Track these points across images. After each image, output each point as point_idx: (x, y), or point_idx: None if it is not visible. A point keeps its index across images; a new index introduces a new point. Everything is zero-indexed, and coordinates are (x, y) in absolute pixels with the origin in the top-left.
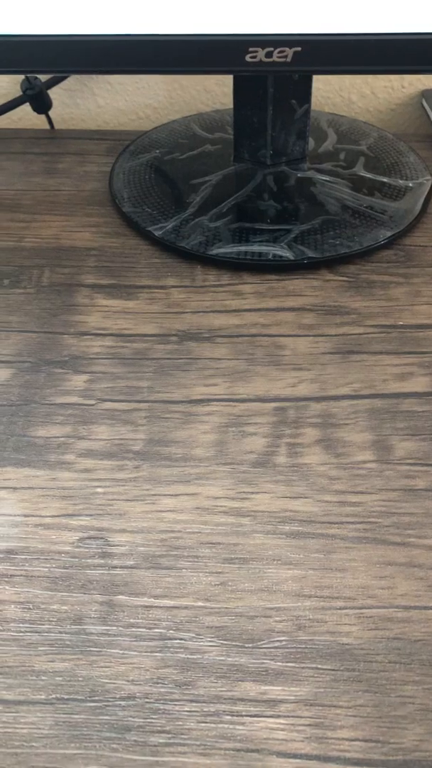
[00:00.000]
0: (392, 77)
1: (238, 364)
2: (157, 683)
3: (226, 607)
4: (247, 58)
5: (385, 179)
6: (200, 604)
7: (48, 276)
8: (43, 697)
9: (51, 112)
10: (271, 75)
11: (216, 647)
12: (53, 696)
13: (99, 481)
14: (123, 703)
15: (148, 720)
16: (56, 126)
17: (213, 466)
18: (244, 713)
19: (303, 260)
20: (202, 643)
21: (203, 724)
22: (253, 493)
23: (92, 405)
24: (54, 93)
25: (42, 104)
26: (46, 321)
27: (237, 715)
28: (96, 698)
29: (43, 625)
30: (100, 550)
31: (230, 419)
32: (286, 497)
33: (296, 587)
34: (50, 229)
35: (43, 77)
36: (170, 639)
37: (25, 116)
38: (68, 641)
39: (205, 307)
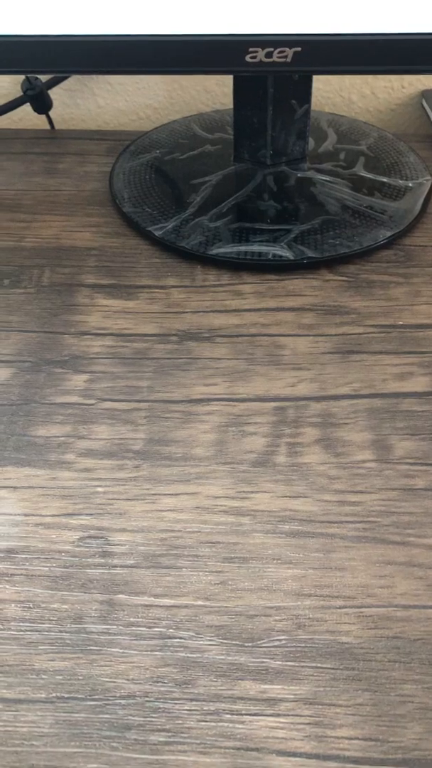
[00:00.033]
0: (392, 77)
1: (237, 364)
2: (157, 682)
3: (226, 606)
4: (247, 58)
5: (385, 179)
6: (200, 603)
7: (48, 276)
8: (43, 695)
9: (51, 113)
10: (271, 75)
11: (216, 646)
12: (53, 695)
13: (99, 480)
14: (123, 701)
15: (148, 719)
16: (57, 126)
17: (213, 465)
18: (243, 712)
19: (303, 260)
20: (202, 642)
21: (203, 723)
22: (252, 492)
23: (92, 404)
24: (54, 93)
25: (42, 104)
26: (47, 321)
27: (237, 714)
28: (96, 697)
29: (44, 624)
30: (100, 550)
31: (230, 419)
32: (286, 496)
33: (296, 586)
34: (50, 229)
35: (44, 77)
36: (170, 638)
37: (25, 116)
38: (68, 640)
39: (205, 306)
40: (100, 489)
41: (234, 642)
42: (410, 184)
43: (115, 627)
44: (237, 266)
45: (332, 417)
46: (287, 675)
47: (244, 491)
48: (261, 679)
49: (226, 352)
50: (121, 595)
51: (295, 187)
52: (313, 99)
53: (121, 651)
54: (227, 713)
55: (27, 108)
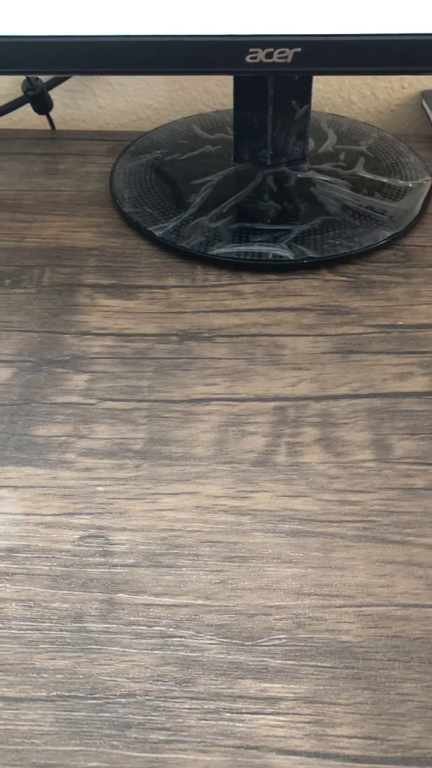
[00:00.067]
0: (392, 78)
1: (238, 364)
2: (158, 681)
3: (226, 605)
4: (248, 58)
5: (384, 180)
6: (200, 602)
7: (49, 276)
8: (43, 694)
9: (52, 113)
10: (272, 76)
11: (216, 645)
12: (54, 693)
13: (100, 479)
14: (123, 700)
15: (149, 717)
16: (57, 127)
17: (213, 465)
18: (243, 710)
19: (303, 260)
20: (202, 641)
21: (203, 722)
22: (253, 491)
23: (93, 404)
24: (55, 94)
25: (43, 105)
26: (47, 321)
27: (237, 713)
28: (96, 695)
29: (44, 622)
30: (100, 549)
31: (230, 418)
32: (286, 496)
33: (296, 585)
34: (51, 229)
35: (44, 78)
36: (170, 637)
37: (26, 117)
38: (69, 639)
39: (205, 306)
40: (100, 488)
41: (234, 641)
42: (410, 185)
43: (115, 626)
44: (237, 266)
45: (332, 417)
46: (287, 674)
47: (244, 491)
48: (261, 678)
49: (226, 351)
50: (121, 594)
51: (296, 188)
52: (313, 99)
53: (121, 650)
54: (227, 712)
55: (27, 108)
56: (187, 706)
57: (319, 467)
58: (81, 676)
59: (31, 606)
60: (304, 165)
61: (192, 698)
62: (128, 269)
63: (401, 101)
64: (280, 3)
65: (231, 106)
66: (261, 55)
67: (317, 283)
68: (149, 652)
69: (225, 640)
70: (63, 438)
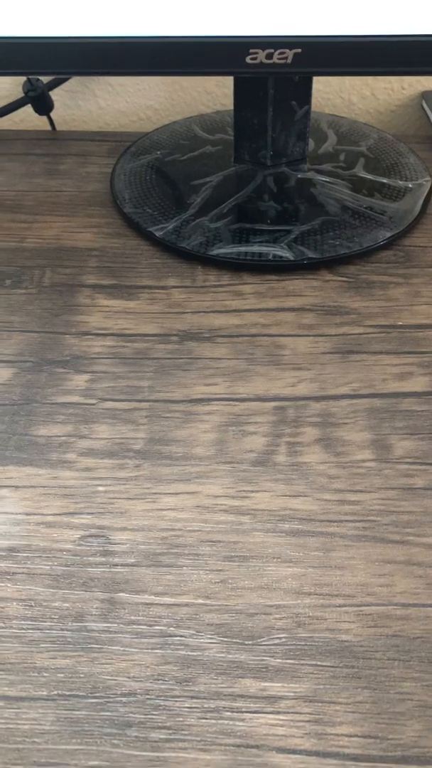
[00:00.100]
0: (392, 79)
1: (238, 364)
2: (158, 680)
3: (227, 605)
4: (248, 59)
5: (384, 180)
6: (200, 601)
7: (49, 276)
8: (44, 693)
9: (52, 114)
10: (272, 76)
11: (216, 644)
12: (55, 692)
13: (100, 479)
14: (124, 699)
15: (149, 716)
16: (58, 127)
17: (213, 464)
18: (244, 709)
19: (303, 261)
20: (202, 640)
21: (203, 720)
22: (253, 491)
23: (93, 404)
24: (55, 94)
25: (43, 106)
26: (48, 321)
27: (237, 712)
28: (97, 695)
29: (45, 622)
30: (101, 548)
31: (230, 418)
32: (286, 496)
33: (296, 585)
34: (52, 229)
35: (45, 79)
36: (171, 636)
37: (26, 117)
38: (70, 638)
39: (205, 307)
40: (101, 488)
41: (234, 640)
42: (410, 185)
43: (116, 625)
44: (237, 267)
45: (332, 417)
46: (287, 673)
47: (244, 490)
48: (261, 677)
49: (226, 352)
50: (121, 594)
51: (296, 188)
52: (313, 100)
53: (122, 649)
54: (227, 711)
55: (28, 109)
56: (187, 705)
57: (319, 467)
58: (82, 675)
59: (32, 605)
60: (304, 165)
61: (192, 697)
62: (129, 270)
63: (401, 102)
64: (280, 4)
65: (231, 107)
66: (261, 55)
67: (317, 283)
68: (150, 651)
69: (225, 639)
70: (64, 438)
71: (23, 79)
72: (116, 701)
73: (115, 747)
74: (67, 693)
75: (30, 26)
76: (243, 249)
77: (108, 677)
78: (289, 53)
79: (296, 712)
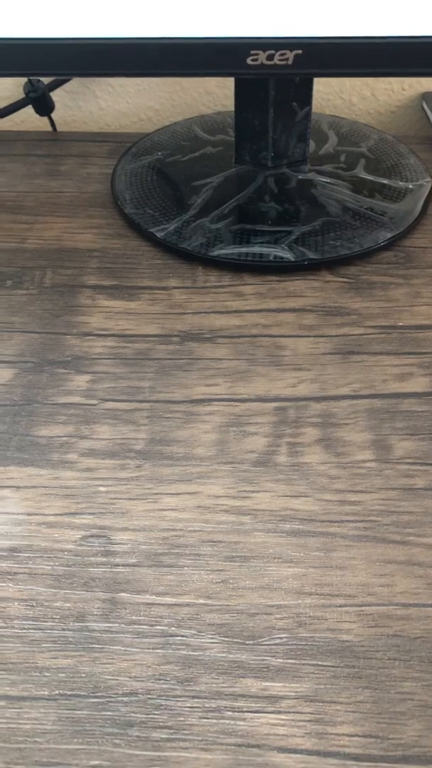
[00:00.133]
0: (393, 80)
1: (239, 365)
2: (159, 679)
3: (228, 605)
4: (249, 60)
5: (385, 181)
6: (201, 601)
7: (50, 277)
8: (46, 693)
9: (53, 115)
10: (273, 77)
11: (217, 644)
12: (56, 692)
13: (101, 480)
14: (125, 699)
15: (150, 716)
16: (58, 128)
17: (214, 465)
18: (245, 709)
19: (303, 261)
20: (203, 640)
21: (205, 720)
22: (254, 491)
23: (94, 405)
24: (56, 95)
25: (44, 106)
26: (49, 322)
27: (238, 711)
28: (98, 694)
29: (47, 622)
30: (102, 548)
31: (231, 419)
32: (287, 496)
33: (297, 585)
34: (52, 230)
35: (46, 80)
36: (172, 636)
37: (27, 118)
38: (71, 638)
39: (206, 307)
40: (102, 488)
41: (235, 640)
42: (410, 186)
43: (117, 625)
44: (238, 267)
45: (332, 417)
46: (288, 672)
47: (245, 491)
48: (262, 677)
49: (227, 352)
50: (123, 594)
51: (296, 189)
52: (314, 101)
53: (123, 649)
54: (229, 710)
55: (29, 110)
56: (188, 704)
57: (319, 467)
58: (83, 675)
59: (33, 605)
60: (305, 166)
61: (193, 697)
62: (129, 270)
63: (401, 103)
64: (281, 5)
65: (232, 108)
66: (262, 57)
67: (318, 284)
68: (151, 651)
69: (226, 639)
70: (65, 438)
71: (24, 80)
72: (118, 701)
73: (116, 746)
74: (69, 693)
75: (31, 27)
76: (244, 250)
77: (109, 677)
78: (290, 54)
79: (297, 712)
